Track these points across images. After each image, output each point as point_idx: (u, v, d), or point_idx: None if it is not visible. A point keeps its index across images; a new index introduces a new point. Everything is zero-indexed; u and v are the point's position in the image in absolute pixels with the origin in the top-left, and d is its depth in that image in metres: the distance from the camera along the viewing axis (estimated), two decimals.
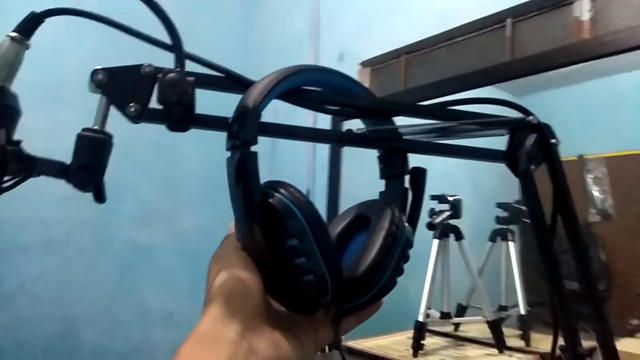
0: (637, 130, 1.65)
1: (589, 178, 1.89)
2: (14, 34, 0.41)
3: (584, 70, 1.26)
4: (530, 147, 0.48)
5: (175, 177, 2.23)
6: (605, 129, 1.59)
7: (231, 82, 0.43)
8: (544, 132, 0.49)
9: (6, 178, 0.40)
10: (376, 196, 0.46)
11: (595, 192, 1.84)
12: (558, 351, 0.55)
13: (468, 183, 1.87)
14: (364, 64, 1.85)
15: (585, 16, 1.25)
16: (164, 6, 0.42)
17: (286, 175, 2.17)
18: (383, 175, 0.47)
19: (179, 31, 0.42)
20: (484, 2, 1.44)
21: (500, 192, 1.91)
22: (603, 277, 1.95)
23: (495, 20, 1.45)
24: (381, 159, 0.47)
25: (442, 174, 1.87)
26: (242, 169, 0.36)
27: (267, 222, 0.36)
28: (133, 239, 2.08)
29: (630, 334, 1.19)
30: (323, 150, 1.85)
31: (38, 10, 0.42)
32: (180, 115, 0.41)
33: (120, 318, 2.02)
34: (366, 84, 1.82)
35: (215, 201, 2.30)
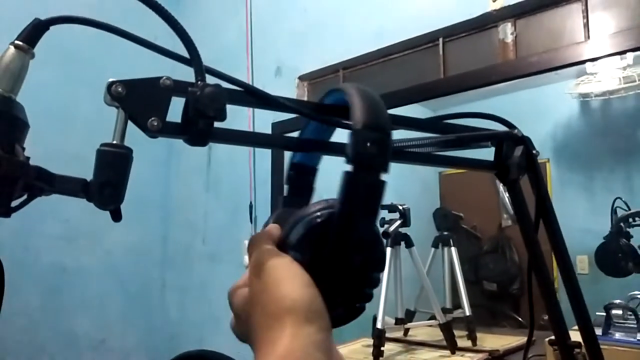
0: (540, 141, 1.83)
1: (501, 186, 2.07)
2: (18, 43, 0.38)
3: (490, 87, 1.38)
4: (519, 158, 0.52)
5: None
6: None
7: (252, 96, 0.43)
8: (527, 144, 0.54)
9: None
10: None
11: (507, 199, 2.02)
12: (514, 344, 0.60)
13: (394, 192, 1.96)
14: (302, 78, 1.88)
15: (509, 38, 1.38)
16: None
17: (226, 189, 2.13)
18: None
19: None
20: (417, 21, 1.53)
21: (422, 201, 2.03)
22: (517, 277, 2.13)
23: (428, 40, 1.55)
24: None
25: None
26: (374, 197, 0.35)
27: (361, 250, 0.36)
28: (58, 261, 1.92)
29: (543, 328, 1.31)
30: (263, 162, 1.85)
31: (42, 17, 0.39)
32: (204, 129, 0.40)
33: (46, 346, 1.85)
34: (304, 98, 1.84)
35: (144, 217, 2.20)
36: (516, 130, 0.54)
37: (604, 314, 1.00)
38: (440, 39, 1.51)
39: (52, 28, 0.40)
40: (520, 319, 1.88)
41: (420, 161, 0.50)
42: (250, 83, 2.09)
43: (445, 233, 1.49)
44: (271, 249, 0.37)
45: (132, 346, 2.04)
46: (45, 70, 1.86)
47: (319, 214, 0.36)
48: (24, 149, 0.36)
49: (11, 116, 0.36)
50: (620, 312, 0.98)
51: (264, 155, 1.83)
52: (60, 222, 1.93)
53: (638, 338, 0.92)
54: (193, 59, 0.41)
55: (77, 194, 0.37)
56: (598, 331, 0.96)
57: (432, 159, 0.53)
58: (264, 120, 1.78)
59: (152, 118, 0.39)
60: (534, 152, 0.55)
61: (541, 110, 1.86)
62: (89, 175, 0.39)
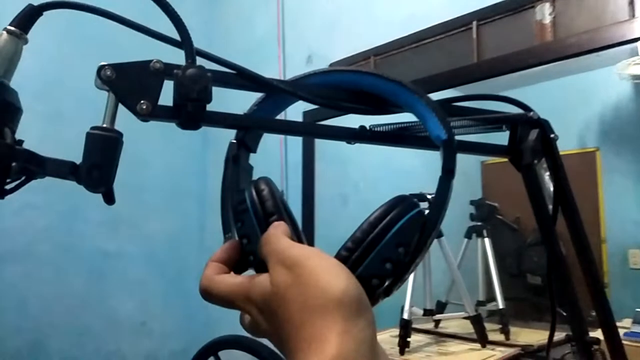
0: (588, 129, 1.73)
1: (546, 175, 1.97)
2: (11, 28, 0.39)
3: (537, 72, 1.31)
4: (534, 142, 0.49)
5: (140, 183, 2.17)
6: (559, 128, 1.67)
7: (244, 79, 0.42)
8: (545, 128, 0.50)
9: (9, 179, 0.38)
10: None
11: (553, 190, 1.92)
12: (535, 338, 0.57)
13: (433, 182, 1.91)
14: (333, 65, 1.86)
15: (547, 19, 1.31)
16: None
17: (257, 177, 2.14)
18: None
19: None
20: (449, 6, 1.48)
21: (463, 192, 1.97)
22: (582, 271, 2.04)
23: (461, 23, 1.49)
24: None
25: (405, 172, 1.92)
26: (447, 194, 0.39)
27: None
28: (100, 247, 2.00)
29: (591, 325, 1.24)
30: (294, 150, 1.85)
31: (35, 2, 0.40)
32: (194, 113, 0.40)
33: (90, 328, 1.95)
34: None
35: (183, 205, 2.26)
36: (532, 113, 0.51)
37: None
38: (474, 23, 1.45)
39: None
40: (565, 313, 1.81)
41: (428, 146, 0.47)
42: (281, 72, 2.10)
43: (479, 223, 1.44)
44: (294, 243, 0.33)
45: (171, 329, 2.11)
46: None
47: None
48: (14, 132, 0.37)
49: (2, 100, 0.37)
50: None
51: (296, 143, 1.84)
52: (103, 208, 2.00)
53: None
54: (184, 41, 0.41)
55: (66, 176, 0.38)
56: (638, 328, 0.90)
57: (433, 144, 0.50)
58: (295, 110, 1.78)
59: (142, 101, 0.39)
60: (552, 135, 0.51)
61: (590, 96, 1.75)
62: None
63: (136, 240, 2.10)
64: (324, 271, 0.30)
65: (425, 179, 1.94)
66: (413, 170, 1.95)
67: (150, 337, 2.02)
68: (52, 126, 1.78)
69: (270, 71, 1.97)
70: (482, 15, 1.42)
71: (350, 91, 0.45)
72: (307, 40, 1.93)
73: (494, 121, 0.51)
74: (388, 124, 0.48)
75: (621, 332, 0.52)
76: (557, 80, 1.66)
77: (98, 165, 0.38)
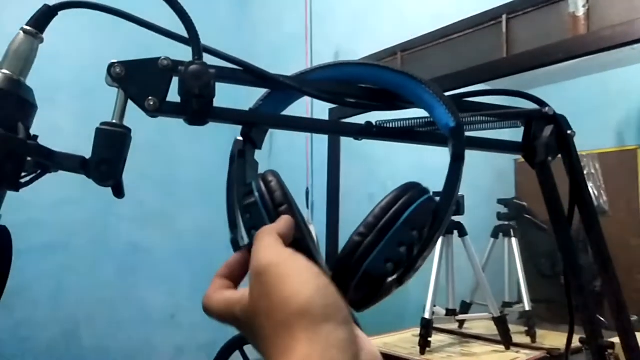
0: (629, 126, 1.66)
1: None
2: (27, 28, 0.40)
3: (575, 66, 1.27)
4: (548, 139, 0.47)
5: (171, 179, 2.22)
6: (597, 125, 1.60)
7: (250, 75, 0.43)
8: (561, 124, 0.49)
9: (24, 173, 0.39)
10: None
11: (589, 188, 1.85)
12: (578, 344, 0.55)
13: (463, 180, 1.88)
14: None
15: (581, 11, 1.26)
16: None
17: (284, 175, 2.16)
18: None
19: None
20: (477, 1, 1.45)
21: (496, 191, 1.92)
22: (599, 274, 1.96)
23: (490, 17, 1.46)
24: None
25: (437, 171, 1.89)
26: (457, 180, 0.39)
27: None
28: (132, 241, 2.07)
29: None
30: (320, 149, 1.85)
31: (51, 2, 0.41)
32: (199, 109, 0.40)
33: (121, 320, 2.01)
34: None
35: (212, 201, 2.29)
36: (547, 109, 0.49)
37: None
38: (504, 16, 1.41)
39: None
40: (602, 318, 1.74)
41: (430, 142, 0.47)
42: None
43: (506, 223, 1.40)
44: (270, 244, 0.32)
45: (199, 322, 2.15)
46: None
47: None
48: (28, 128, 0.39)
49: (18, 97, 0.39)
50: None
51: (322, 142, 1.84)
52: (135, 203, 2.07)
53: None
54: (191, 38, 0.41)
55: (76, 170, 0.39)
56: None
57: (443, 140, 0.49)
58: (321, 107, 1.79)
59: (150, 97, 0.40)
60: (569, 132, 0.50)
61: (629, 92, 1.68)
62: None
63: (166, 235, 2.15)
64: (291, 279, 0.29)
65: (470, 181, 1.90)
66: (443, 169, 1.92)
67: (179, 329, 2.07)
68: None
69: (298, 68, 1.97)
70: (513, 9, 1.38)
71: (358, 86, 0.45)
72: (334, 37, 1.94)
73: (508, 117, 0.50)
74: (398, 120, 0.48)
75: None
76: (595, 76, 1.60)
77: (107, 159, 0.39)
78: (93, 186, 0.40)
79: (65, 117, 1.79)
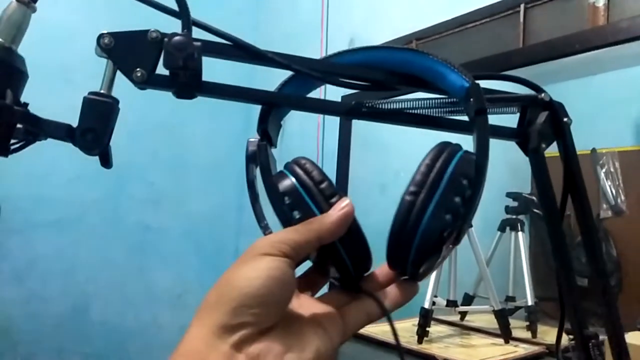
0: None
1: (602, 172, 1.86)
2: None
3: (596, 61, 1.23)
4: (542, 125, 0.46)
5: (183, 161, 2.25)
6: (618, 123, 1.57)
7: (238, 50, 0.43)
8: (556, 110, 0.48)
9: (14, 140, 0.40)
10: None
11: (608, 187, 1.81)
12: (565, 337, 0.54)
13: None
14: None
15: (601, 2, 1.23)
16: None
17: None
18: None
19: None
20: None
21: (511, 186, 1.90)
22: (613, 273, 1.93)
23: (507, 7, 1.43)
24: None
25: None
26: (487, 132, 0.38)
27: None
28: (142, 221, 2.10)
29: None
30: (332, 136, 1.85)
31: None
32: (186, 82, 0.40)
33: (130, 297, 2.05)
34: None
35: (223, 185, 2.32)
36: (543, 94, 0.48)
37: None
38: (522, 5, 1.39)
39: None
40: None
41: (421, 123, 0.46)
42: (323, 55, 2.11)
43: (514, 217, 1.38)
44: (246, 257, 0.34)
45: None
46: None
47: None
48: (17, 96, 0.39)
49: (8, 65, 0.39)
50: None
51: (333, 127, 1.83)
52: (146, 184, 2.11)
53: None
54: (181, 11, 0.41)
55: (63, 138, 0.40)
56: None
57: (434, 121, 0.48)
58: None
59: (138, 69, 0.40)
60: (565, 119, 0.49)
61: None
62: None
63: (176, 217, 2.18)
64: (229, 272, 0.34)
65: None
66: None
67: (185, 309, 2.11)
68: None
69: (313, 55, 1.96)
70: None
71: (365, 69, 0.45)
72: (350, 24, 1.92)
73: (502, 101, 0.49)
74: (392, 101, 0.47)
75: None
76: (616, 72, 1.56)
77: (92, 128, 0.39)
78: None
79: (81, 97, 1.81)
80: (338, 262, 0.37)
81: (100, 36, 0.40)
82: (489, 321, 1.32)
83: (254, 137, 0.44)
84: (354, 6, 1.93)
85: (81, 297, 1.96)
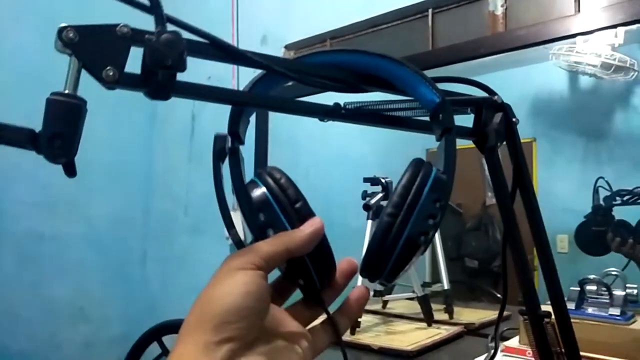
0: (526, 120, 1.83)
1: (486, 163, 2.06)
2: None
3: (494, 61, 1.36)
4: (498, 125, 0.51)
5: (81, 159, 2.04)
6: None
7: (217, 50, 0.41)
8: (507, 111, 0.52)
9: None
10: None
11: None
12: (489, 318, 0.59)
13: (379, 167, 1.96)
14: (288, 47, 1.84)
15: (499, 11, 1.35)
16: None
17: (208, 159, 2.10)
18: None
19: None
20: None
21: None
22: (498, 254, 2.15)
23: (417, 10, 1.52)
24: None
25: (357, 161, 1.94)
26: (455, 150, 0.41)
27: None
28: (34, 228, 1.89)
29: (519, 304, 1.33)
30: (247, 132, 1.82)
31: None
32: (165, 81, 0.38)
33: (22, 314, 1.84)
34: None
35: (127, 185, 2.17)
36: (496, 97, 0.52)
37: (578, 289, 1.01)
38: (430, 10, 1.48)
39: None
40: (498, 295, 1.91)
41: (396, 125, 0.48)
42: None
43: None
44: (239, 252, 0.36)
45: (111, 315, 2.03)
46: (21, 33, 1.80)
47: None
48: None
49: None
50: (594, 287, 0.99)
51: (249, 125, 1.80)
52: (38, 188, 1.90)
53: (610, 313, 0.93)
54: (153, 6, 0.38)
55: (24, 145, 0.35)
56: (571, 305, 0.97)
57: (408, 123, 0.51)
58: None
59: (108, 68, 0.36)
60: (514, 119, 0.53)
61: (528, 87, 1.84)
62: None
63: (75, 222, 2.00)
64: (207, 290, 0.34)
65: (375, 165, 1.98)
66: (363, 158, 1.97)
67: (88, 322, 1.95)
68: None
69: None
70: (438, 4, 1.45)
71: (334, 69, 0.45)
72: (262, 19, 1.90)
73: (460, 103, 0.52)
74: (365, 102, 0.48)
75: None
76: (509, 71, 1.71)
77: (59, 133, 0.35)
78: None
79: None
80: (305, 275, 0.39)
81: (62, 29, 0.36)
82: (408, 306, 1.41)
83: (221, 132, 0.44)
84: (265, 1, 1.91)
85: None
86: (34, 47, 1.79)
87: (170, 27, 0.38)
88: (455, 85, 0.57)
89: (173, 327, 1.63)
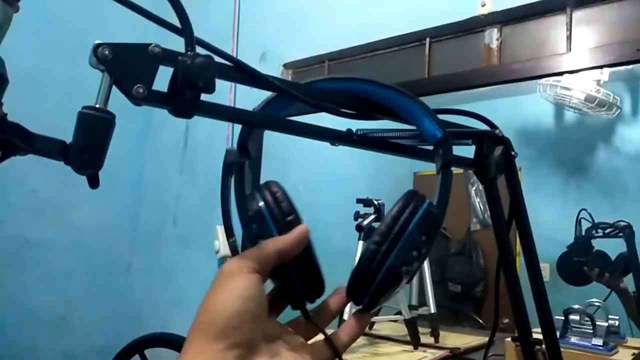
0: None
1: (472, 190, 2.10)
2: None
3: (477, 92, 1.40)
4: (499, 158, 0.53)
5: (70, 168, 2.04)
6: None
7: (241, 73, 0.43)
8: (507, 145, 0.55)
9: None
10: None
11: (477, 203, 2.05)
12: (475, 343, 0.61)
13: (368, 186, 1.98)
14: (287, 65, 1.87)
15: (494, 44, 1.40)
16: None
17: (199, 172, 2.11)
18: None
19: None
20: (407, 20, 1.54)
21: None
22: (481, 280, 2.18)
23: (415, 38, 1.56)
24: None
25: (347, 179, 1.97)
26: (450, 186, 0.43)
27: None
28: (20, 233, 1.86)
29: (503, 330, 1.35)
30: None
31: None
32: (191, 101, 0.39)
33: (3, 321, 1.80)
34: None
35: (115, 193, 2.15)
36: (497, 131, 0.55)
37: (563, 318, 1.04)
38: (427, 39, 1.53)
39: None
40: (481, 320, 1.93)
41: (400, 152, 0.50)
42: None
43: None
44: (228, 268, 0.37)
45: (94, 325, 2.00)
46: (19, 33, 1.80)
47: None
48: (1, 104, 0.35)
49: None
50: (577, 317, 1.02)
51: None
52: (26, 192, 1.88)
53: (593, 343, 0.95)
54: (184, 28, 0.40)
55: (54, 155, 0.36)
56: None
57: (412, 151, 0.53)
58: None
59: (138, 85, 0.38)
60: (513, 153, 0.56)
61: (517, 119, 1.89)
62: None
63: (62, 229, 1.97)
64: (209, 296, 0.36)
65: (364, 185, 2.00)
66: (353, 177, 2.00)
67: (70, 332, 1.91)
68: None
69: None
70: (436, 33, 1.49)
71: (347, 96, 0.47)
72: (262, 37, 1.93)
73: (463, 136, 0.55)
74: (374, 130, 0.50)
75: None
76: (500, 100, 1.75)
77: (90, 146, 0.36)
78: None
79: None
80: (291, 284, 0.40)
81: (98, 46, 0.37)
82: (394, 329, 1.42)
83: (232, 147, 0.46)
84: (265, 20, 1.94)
85: None
86: (33, 47, 1.80)
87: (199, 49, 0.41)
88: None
89: (156, 340, 1.61)
